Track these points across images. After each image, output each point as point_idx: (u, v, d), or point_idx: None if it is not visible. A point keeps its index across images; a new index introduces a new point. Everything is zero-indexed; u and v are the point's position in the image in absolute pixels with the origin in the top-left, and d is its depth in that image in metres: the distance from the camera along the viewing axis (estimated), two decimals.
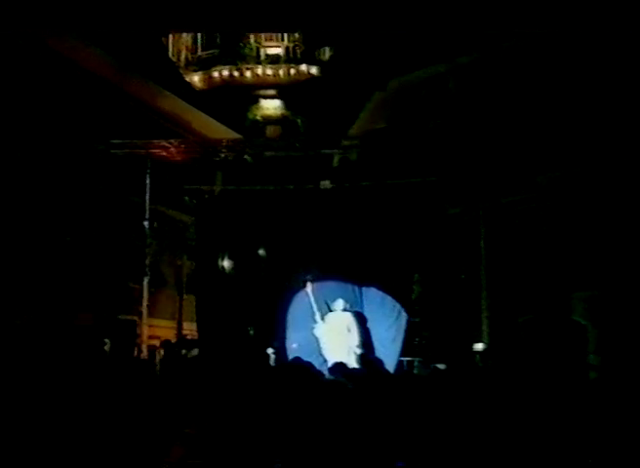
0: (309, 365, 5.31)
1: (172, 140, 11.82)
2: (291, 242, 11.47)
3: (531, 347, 10.40)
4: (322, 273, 11.27)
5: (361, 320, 10.91)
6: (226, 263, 12.04)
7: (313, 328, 10.67)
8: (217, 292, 11.68)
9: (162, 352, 10.41)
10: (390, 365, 8.85)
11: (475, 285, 11.64)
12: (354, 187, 11.65)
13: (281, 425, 4.22)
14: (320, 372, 5.57)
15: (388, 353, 10.22)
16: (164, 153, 11.63)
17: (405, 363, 10.82)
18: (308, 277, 11.03)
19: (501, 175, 11.39)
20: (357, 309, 11.05)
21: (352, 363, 8.45)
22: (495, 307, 11.33)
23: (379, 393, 4.85)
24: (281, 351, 10.58)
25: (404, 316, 11.09)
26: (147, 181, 11.69)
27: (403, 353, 10.88)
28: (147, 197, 11.71)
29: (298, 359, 5.65)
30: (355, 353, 10.19)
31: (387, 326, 11.02)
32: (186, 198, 14.08)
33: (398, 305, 11.10)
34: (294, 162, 11.78)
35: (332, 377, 5.32)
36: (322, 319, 10.71)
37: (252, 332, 11.41)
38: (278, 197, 11.67)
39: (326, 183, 11.91)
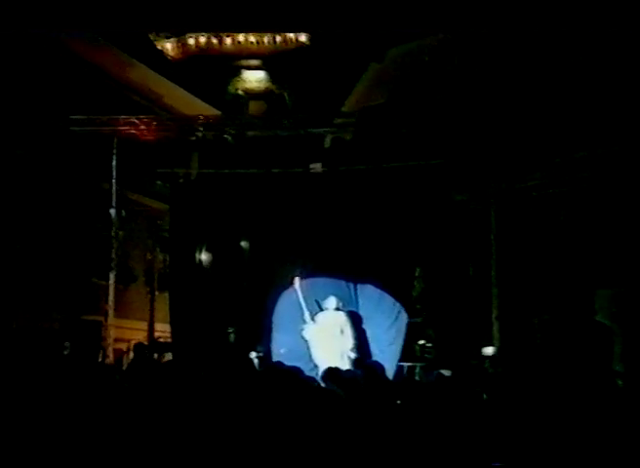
0: (298, 370, 5.26)
1: (141, 117, 11.73)
2: (277, 233, 11.43)
3: (548, 351, 10.41)
4: (312, 268, 11.25)
5: (356, 320, 10.89)
6: (204, 257, 12.01)
7: (302, 329, 10.65)
8: (193, 290, 11.64)
9: (131, 356, 10.36)
10: (389, 370, 8.83)
11: (485, 281, 11.63)
12: (349, 171, 11.60)
13: (267, 440, 4.18)
14: (311, 379, 5.52)
15: (386, 357, 10.18)
16: (133, 131, 11.53)
17: (405, 368, 10.85)
18: (297, 272, 11.00)
19: (515, 157, 11.37)
20: (352, 308, 11.03)
21: (346, 368, 8.45)
22: (507, 306, 11.33)
23: (377, 402, 4.81)
24: (266, 355, 10.55)
25: (404, 316, 11.10)
26: (114, 163, 11.60)
27: (403, 357, 10.90)
28: (114, 181, 11.62)
29: (280, 363, 5.58)
30: (349, 357, 10.23)
31: (386, 327, 11.02)
32: (159, 182, 14.03)
33: (398, 304, 11.10)
34: (280, 142, 11.73)
35: (324, 385, 5.27)
36: (312, 319, 10.69)
37: (232, 335, 11.38)
38: (263, 182, 11.61)
39: (317, 167, 11.87)
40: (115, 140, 11.53)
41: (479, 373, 9.35)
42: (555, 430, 4.56)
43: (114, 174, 11.58)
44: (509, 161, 11.46)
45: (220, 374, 6.21)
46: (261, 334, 11.06)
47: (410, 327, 11.14)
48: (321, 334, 10.58)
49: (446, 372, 8.09)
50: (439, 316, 12.15)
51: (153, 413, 4.86)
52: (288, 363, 5.66)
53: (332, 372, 5.63)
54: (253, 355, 10.40)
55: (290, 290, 10.98)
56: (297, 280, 10.89)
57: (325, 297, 10.77)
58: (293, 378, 4.94)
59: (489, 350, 10.73)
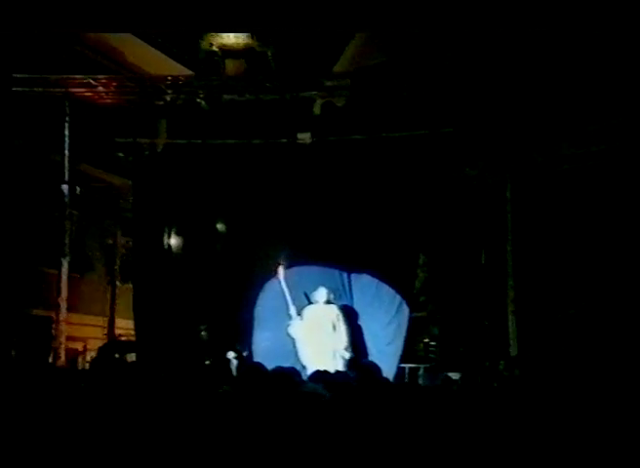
0: (293, 371, 5.24)
1: (99, 76, 11.67)
2: (258, 213, 11.45)
3: (573, 351, 10.44)
4: (299, 254, 11.27)
5: (350, 315, 10.99)
6: (174, 241, 12.05)
7: (288, 325, 10.71)
8: (160, 280, 11.67)
9: (88, 358, 10.38)
10: (388, 373, 8.87)
11: (499, 270, 11.65)
12: (342, 141, 11.58)
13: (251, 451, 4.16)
14: (302, 382, 5.50)
15: (385, 358, 10.28)
16: (88, 93, 11.49)
17: (407, 370, 10.96)
18: (281, 259, 11.00)
19: (537, 125, 11.33)
20: (345, 301, 11.15)
21: (338, 370, 8.46)
22: (525, 299, 11.35)
23: (373, 409, 4.78)
24: (246, 356, 10.58)
25: (405, 310, 11.16)
26: (66, 132, 11.52)
27: (404, 358, 11.00)
28: (67, 153, 11.55)
29: (259, 364, 5.56)
30: (343, 358, 10.36)
31: (384, 322, 11.11)
32: (120, 154, 13.91)
33: (398, 296, 11.18)
34: (263, 108, 11.68)
35: (311, 388, 5.24)
36: (299, 314, 10.75)
37: (206, 333, 11.40)
38: (242, 154, 11.59)
39: (305, 136, 11.83)
40: (67, 104, 11.46)
41: (492, 377, 9.38)
42: (584, 446, 4.53)
43: (67, 143, 11.51)
44: (530, 129, 11.42)
45: (191, 379, 6.19)
46: (240, 332, 11.14)
47: (412, 322, 11.21)
48: (310, 331, 10.64)
49: (454, 375, 8.12)
50: (446, 310, 12.22)
51: (114, 424, 4.82)
52: (271, 364, 5.60)
53: (320, 375, 5.60)
54: (230, 355, 10.43)
55: (273, 280, 11.03)
56: (281, 268, 10.92)
57: (314, 289, 10.85)
58: (285, 380, 4.91)
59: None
